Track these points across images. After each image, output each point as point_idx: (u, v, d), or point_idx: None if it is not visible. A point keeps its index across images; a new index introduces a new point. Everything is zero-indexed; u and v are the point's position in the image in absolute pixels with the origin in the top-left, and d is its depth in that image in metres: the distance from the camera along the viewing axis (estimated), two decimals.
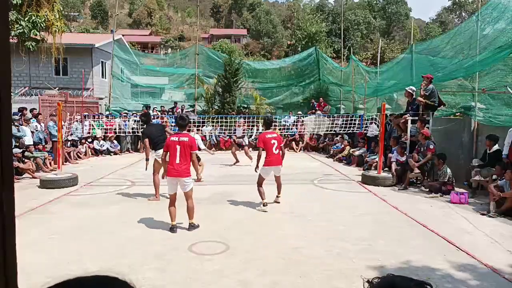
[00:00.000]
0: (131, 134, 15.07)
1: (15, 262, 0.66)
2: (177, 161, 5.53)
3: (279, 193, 7.27)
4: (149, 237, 5.39)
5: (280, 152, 6.97)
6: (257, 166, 6.89)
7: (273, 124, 7.57)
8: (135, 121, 15.37)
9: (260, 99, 19.11)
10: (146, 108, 17.29)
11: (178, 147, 5.53)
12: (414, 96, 10.06)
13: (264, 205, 6.81)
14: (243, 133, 13.26)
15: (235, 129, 13.67)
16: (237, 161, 12.19)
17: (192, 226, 5.67)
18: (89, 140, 14.18)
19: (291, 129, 16.39)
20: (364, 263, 4.48)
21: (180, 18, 69.41)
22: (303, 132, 16.42)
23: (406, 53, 14.11)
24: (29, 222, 5.98)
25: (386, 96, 14.97)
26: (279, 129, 16.12)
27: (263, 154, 6.86)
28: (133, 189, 8.66)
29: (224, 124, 15.26)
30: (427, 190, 8.26)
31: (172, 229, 5.61)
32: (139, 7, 64.86)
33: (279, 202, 7.15)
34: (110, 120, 15.50)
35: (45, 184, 8.52)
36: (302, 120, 16.58)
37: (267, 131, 7.10)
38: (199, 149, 11.63)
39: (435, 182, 8.21)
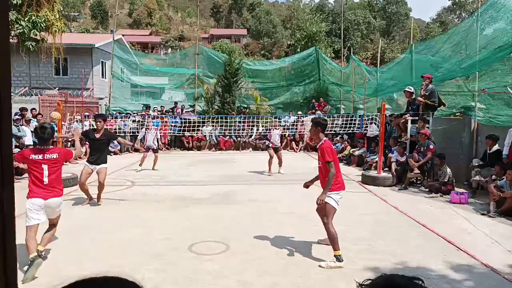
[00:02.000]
0: (130, 134, 15.08)
1: (15, 262, 0.66)
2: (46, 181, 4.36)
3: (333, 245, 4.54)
4: (149, 237, 5.38)
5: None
6: (325, 192, 4.51)
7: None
8: (133, 121, 15.39)
9: (261, 99, 19.12)
10: (147, 108, 17.30)
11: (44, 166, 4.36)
12: (414, 96, 10.07)
13: (339, 260, 4.37)
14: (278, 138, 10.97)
15: (265, 133, 11.58)
16: (270, 169, 10.60)
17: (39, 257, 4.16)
18: None
19: (291, 129, 16.40)
20: (364, 263, 4.48)
21: (180, 18, 69.42)
22: (303, 132, 16.43)
23: (406, 53, 14.11)
24: None
25: (386, 96, 14.99)
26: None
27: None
28: (133, 189, 8.66)
29: (224, 124, 15.28)
30: (427, 190, 8.26)
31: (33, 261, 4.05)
32: (139, 7, 64.85)
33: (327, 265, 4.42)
34: (109, 120, 15.50)
35: None
36: (302, 120, 16.57)
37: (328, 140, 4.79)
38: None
39: (435, 182, 8.21)
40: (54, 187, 4.45)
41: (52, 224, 4.63)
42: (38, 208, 4.26)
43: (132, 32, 53.98)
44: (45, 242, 4.49)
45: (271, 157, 10.45)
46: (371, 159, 10.97)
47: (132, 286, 0.79)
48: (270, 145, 10.50)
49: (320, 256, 4.70)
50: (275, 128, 10.97)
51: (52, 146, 4.62)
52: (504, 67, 8.85)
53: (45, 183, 4.34)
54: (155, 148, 11.26)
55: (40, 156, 4.37)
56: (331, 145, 4.70)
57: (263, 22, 55.21)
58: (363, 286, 0.96)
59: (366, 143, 12.39)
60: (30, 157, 4.36)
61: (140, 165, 10.94)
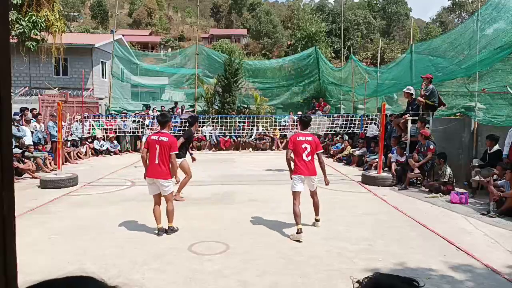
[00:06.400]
0: (130, 134, 15.07)
1: (15, 262, 0.66)
2: (156, 161, 5.32)
3: (316, 214, 5.92)
4: (149, 237, 5.39)
5: (314, 159, 5.71)
6: (290, 172, 5.70)
7: (310, 124, 5.99)
8: (134, 121, 15.38)
9: (261, 99, 19.12)
10: (146, 108, 17.24)
11: (157, 146, 5.34)
12: (413, 96, 10.07)
13: (298, 232, 5.26)
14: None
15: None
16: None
17: (171, 230, 5.48)
18: (89, 140, 14.18)
19: (291, 129, 16.38)
20: (364, 263, 4.48)
21: (180, 18, 69.39)
22: None
23: (406, 53, 14.11)
24: (29, 222, 5.98)
25: (386, 96, 14.97)
26: (279, 129, 16.14)
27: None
28: (133, 189, 8.67)
29: (224, 124, 15.27)
30: (427, 190, 8.26)
31: (158, 232, 5.43)
32: (139, 7, 64.83)
33: (318, 226, 5.87)
34: (109, 120, 15.50)
35: (45, 184, 8.52)
36: None
37: (301, 132, 5.74)
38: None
39: (435, 182, 8.21)
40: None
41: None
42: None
43: (132, 32, 53.96)
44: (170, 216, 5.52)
45: None
46: (371, 159, 10.96)
47: (98, 285, 0.75)
48: None
49: (320, 256, 4.70)
50: None
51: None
52: (504, 67, 8.84)
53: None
54: None
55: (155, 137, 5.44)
56: (294, 138, 5.66)
57: (263, 22, 55.13)
58: (360, 284, 0.95)
59: (365, 143, 12.39)
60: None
61: None
